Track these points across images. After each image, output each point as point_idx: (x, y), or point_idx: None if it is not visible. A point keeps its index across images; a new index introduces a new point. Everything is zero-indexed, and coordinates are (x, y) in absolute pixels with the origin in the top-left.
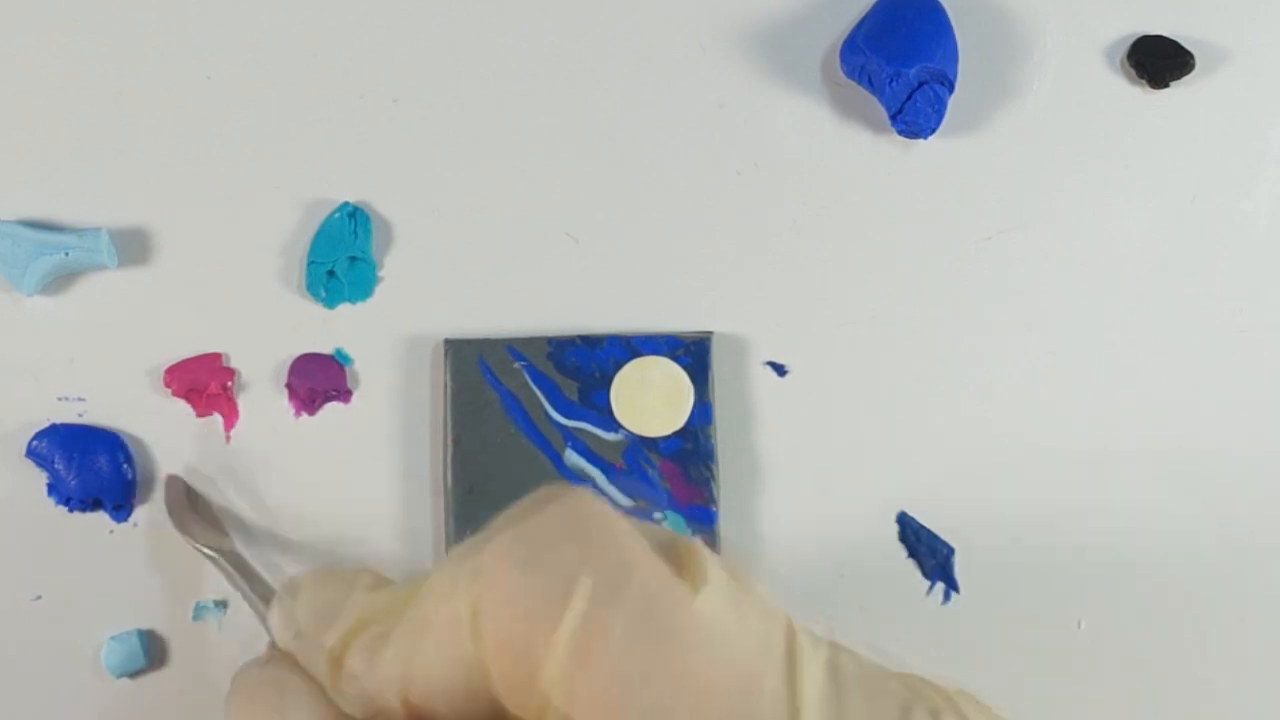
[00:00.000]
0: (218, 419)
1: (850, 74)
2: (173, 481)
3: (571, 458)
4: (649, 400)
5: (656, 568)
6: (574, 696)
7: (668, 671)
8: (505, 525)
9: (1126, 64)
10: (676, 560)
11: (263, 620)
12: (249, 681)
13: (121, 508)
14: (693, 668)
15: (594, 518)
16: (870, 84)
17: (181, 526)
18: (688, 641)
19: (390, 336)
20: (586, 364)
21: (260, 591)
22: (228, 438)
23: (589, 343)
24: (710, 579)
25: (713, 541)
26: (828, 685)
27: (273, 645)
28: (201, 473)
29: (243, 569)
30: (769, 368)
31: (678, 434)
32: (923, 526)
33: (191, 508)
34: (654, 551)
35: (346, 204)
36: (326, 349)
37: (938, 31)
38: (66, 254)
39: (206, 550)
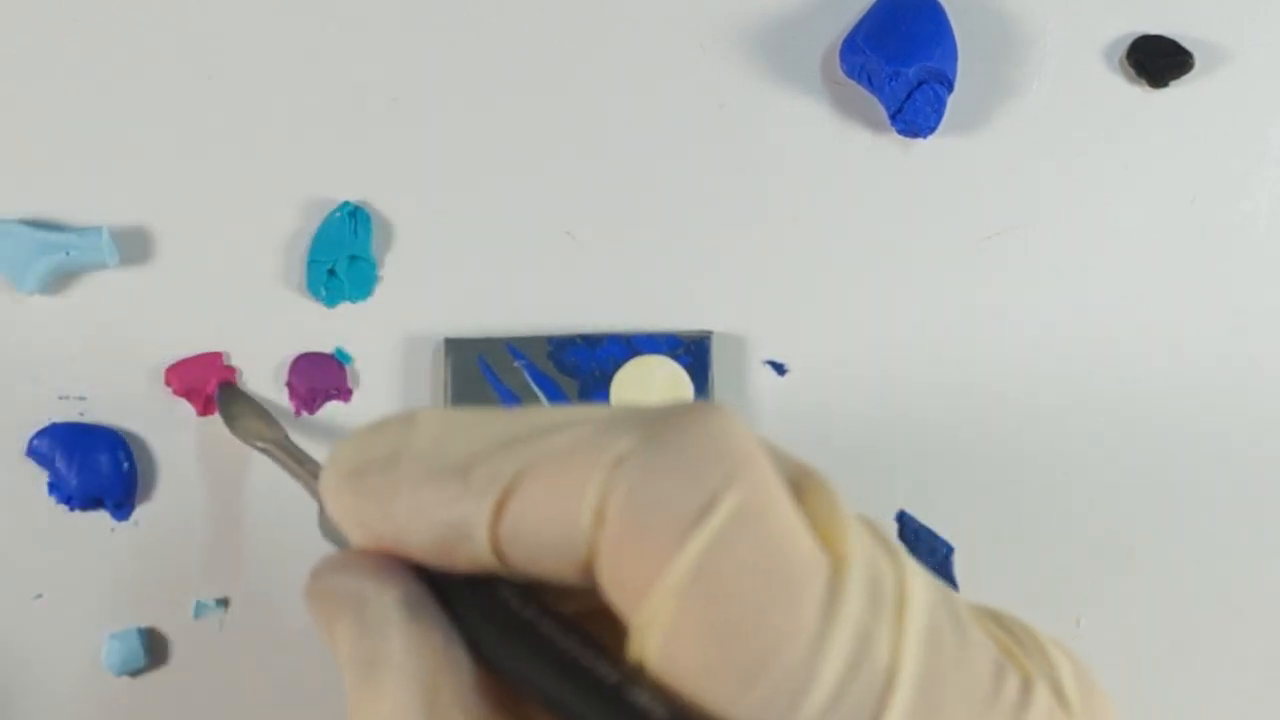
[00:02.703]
0: (217, 418)
1: (850, 73)
2: (224, 389)
3: None
4: (649, 399)
5: (790, 507)
6: (684, 618)
7: (785, 614)
8: (647, 421)
9: (1126, 63)
10: (799, 491)
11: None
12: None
13: (122, 506)
14: (804, 612)
15: (740, 439)
16: (870, 83)
17: (232, 426)
18: (803, 586)
19: (390, 336)
20: (586, 363)
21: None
22: (227, 436)
23: (589, 342)
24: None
25: None
26: (928, 644)
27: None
28: (203, 471)
29: (296, 455)
30: (769, 367)
31: None
32: (922, 525)
33: (241, 409)
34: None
35: (347, 203)
36: (327, 348)
37: (937, 31)
38: (67, 253)
39: (259, 445)
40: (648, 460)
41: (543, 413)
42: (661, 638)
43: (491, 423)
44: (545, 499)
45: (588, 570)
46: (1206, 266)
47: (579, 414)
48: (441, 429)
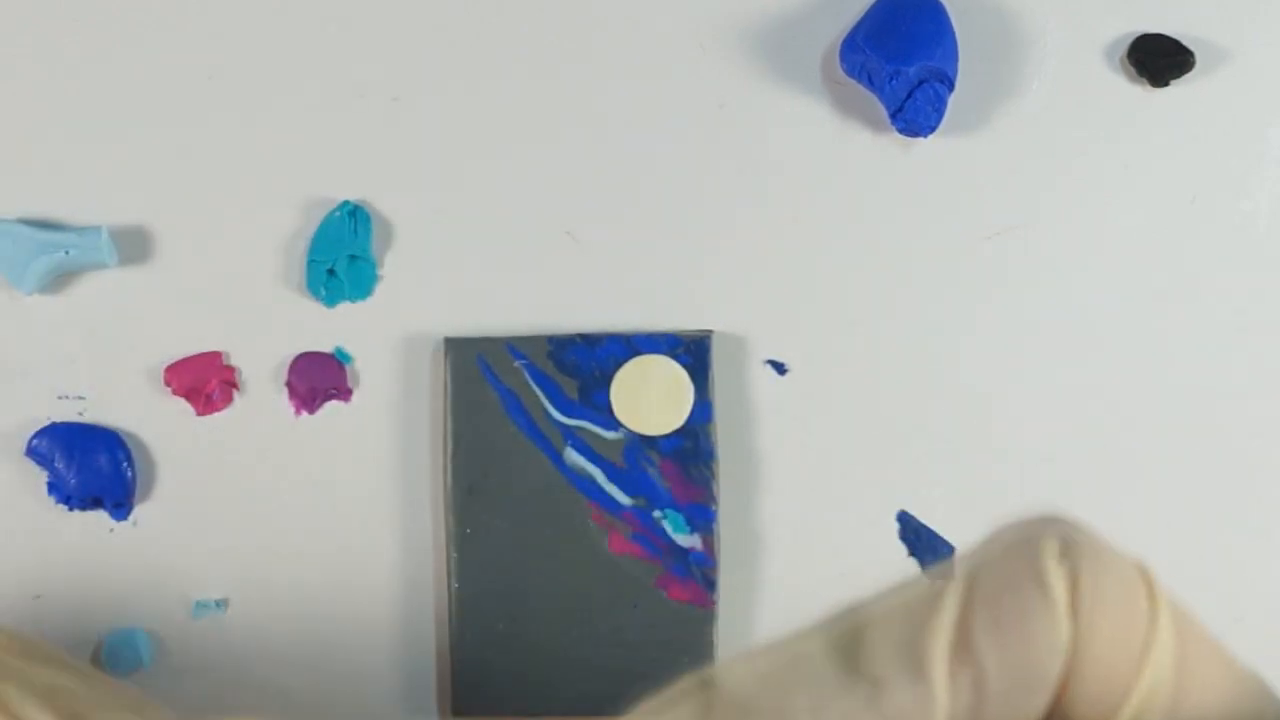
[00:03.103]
0: (217, 418)
1: (850, 72)
2: None
3: (571, 457)
4: (649, 399)
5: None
6: (1183, 671)
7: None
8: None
9: (1126, 62)
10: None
11: None
12: None
13: (121, 506)
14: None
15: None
16: (870, 82)
17: None
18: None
19: (390, 335)
20: (586, 363)
21: None
22: (227, 436)
23: (589, 341)
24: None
25: (712, 540)
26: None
27: None
28: (203, 471)
29: None
30: (769, 366)
31: (678, 432)
32: (923, 525)
33: None
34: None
35: (347, 203)
36: (327, 348)
37: (938, 30)
38: (66, 253)
39: None
40: (1082, 539)
41: (862, 600)
42: (1170, 696)
43: (819, 625)
44: (1005, 624)
45: (1057, 688)
46: (1206, 266)
47: (900, 586)
48: (755, 656)
